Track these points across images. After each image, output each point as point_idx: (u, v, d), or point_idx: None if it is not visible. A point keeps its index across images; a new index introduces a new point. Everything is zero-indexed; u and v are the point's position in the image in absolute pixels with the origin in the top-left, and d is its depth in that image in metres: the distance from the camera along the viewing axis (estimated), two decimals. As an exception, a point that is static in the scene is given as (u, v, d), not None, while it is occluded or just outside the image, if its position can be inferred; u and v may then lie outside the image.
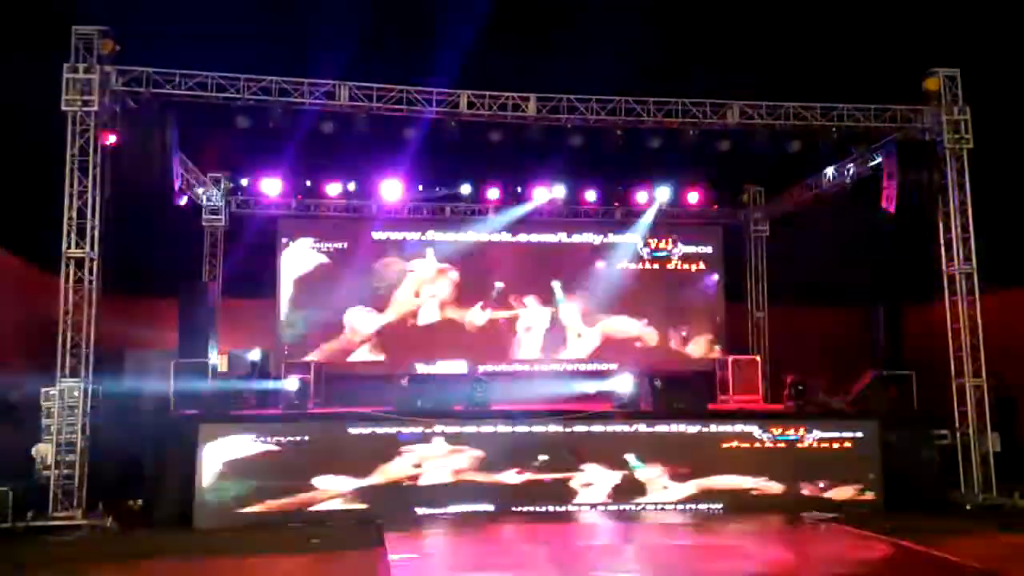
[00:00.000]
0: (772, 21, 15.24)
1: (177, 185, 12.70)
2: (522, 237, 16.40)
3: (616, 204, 16.56)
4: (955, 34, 14.54)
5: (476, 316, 16.10)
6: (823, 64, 14.74)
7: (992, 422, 12.32)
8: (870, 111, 13.06)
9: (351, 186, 15.26)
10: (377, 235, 16.02)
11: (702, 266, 16.78)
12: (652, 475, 12.10)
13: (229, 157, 14.21)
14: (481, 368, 15.27)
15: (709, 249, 16.87)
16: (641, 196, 16.08)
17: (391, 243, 16.02)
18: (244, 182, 15.31)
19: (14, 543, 10.08)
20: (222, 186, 15.70)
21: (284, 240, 15.81)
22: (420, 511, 11.51)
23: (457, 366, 15.60)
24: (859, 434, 12.48)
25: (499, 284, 16.18)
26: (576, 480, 11.94)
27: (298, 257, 15.81)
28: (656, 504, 12.04)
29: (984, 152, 12.82)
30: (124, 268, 12.95)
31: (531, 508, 11.74)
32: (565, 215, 16.55)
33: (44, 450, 11.03)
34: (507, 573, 8.83)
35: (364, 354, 15.68)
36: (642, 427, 12.31)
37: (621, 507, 11.94)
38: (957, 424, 12.49)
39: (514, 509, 11.68)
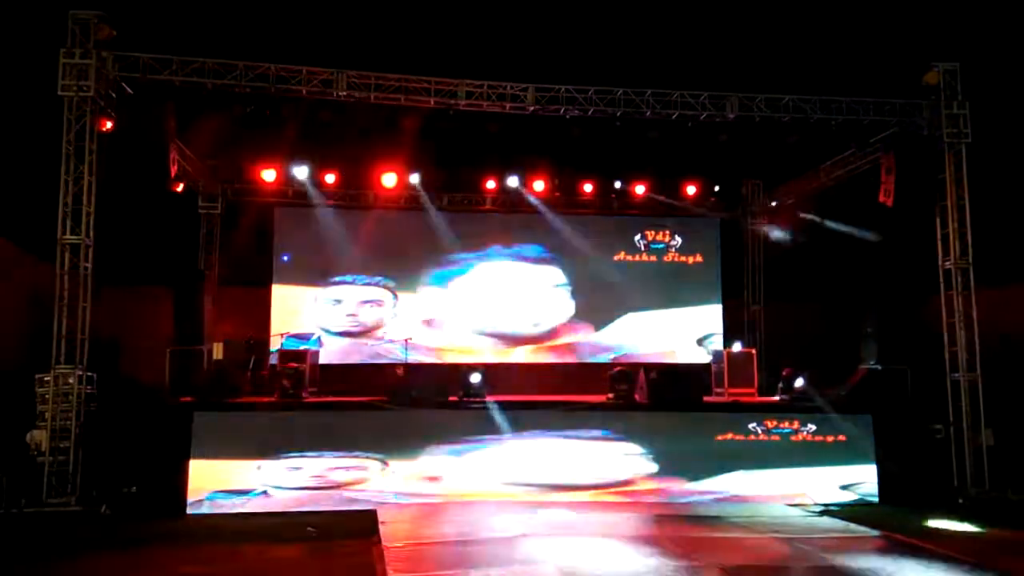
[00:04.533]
0: (772, 14, 15.21)
1: (173, 172, 12.66)
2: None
3: (613, 196, 16.51)
4: (955, 28, 14.53)
5: (473, 306, 16.07)
6: (822, 57, 14.72)
7: (986, 417, 12.38)
8: (869, 105, 13.04)
9: (352, 175, 15.19)
10: (374, 224, 15.95)
11: (699, 259, 16.77)
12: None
13: (226, 144, 14.13)
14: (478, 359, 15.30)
15: (706, 242, 16.85)
16: (639, 188, 16.03)
17: (389, 232, 15.94)
18: (242, 169, 15.23)
19: (7, 530, 10.06)
20: (218, 173, 15.62)
21: (280, 228, 15.75)
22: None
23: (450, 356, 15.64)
24: (853, 427, 12.52)
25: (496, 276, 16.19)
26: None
27: (294, 245, 15.76)
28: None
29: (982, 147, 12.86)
30: (120, 255, 12.92)
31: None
32: (564, 205, 16.50)
33: (38, 437, 11.01)
34: (502, 561, 8.84)
35: (359, 343, 15.64)
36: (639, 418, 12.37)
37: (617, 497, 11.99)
38: (951, 418, 12.53)
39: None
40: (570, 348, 16.28)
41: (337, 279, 15.78)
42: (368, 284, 15.88)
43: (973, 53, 13.31)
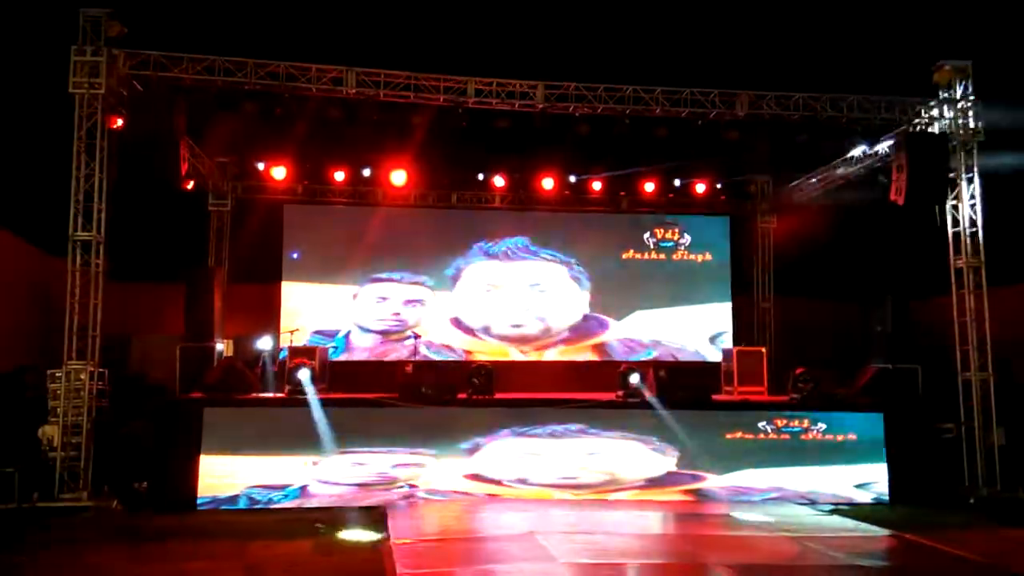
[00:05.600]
0: (782, 11, 15.15)
1: (184, 169, 12.70)
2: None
3: (622, 194, 16.48)
4: (966, 26, 14.44)
5: (481, 304, 16.06)
6: (833, 55, 14.66)
7: (997, 416, 12.32)
8: (880, 102, 12.97)
9: (361, 172, 15.20)
10: (382, 222, 15.95)
11: (708, 257, 16.72)
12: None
13: (236, 142, 14.17)
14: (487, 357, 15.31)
15: (715, 240, 16.80)
16: (648, 186, 15.99)
17: (397, 230, 15.94)
18: (252, 167, 15.27)
19: (20, 524, 10.13)
20: (228, 171, 15.67)
21: (289, 226, 15.79)
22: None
23: (460, 354, 15.64)
24: (864, 427, 12.47)
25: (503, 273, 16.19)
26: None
27: (303, 243, 15.79)
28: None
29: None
30: (130, 252, 12.99)
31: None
32: (573, 203, 16.47)
33: (50, 432, 11.08)
34: (510, 558, 8.85)
35: (369, 340, 15.67)
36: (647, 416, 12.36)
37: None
38: (962, 418, 12.47)
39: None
40: (579, 346, 16.25)
41: (384, 276, 15.78)
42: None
43: (985, 50, 13.23)
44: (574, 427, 12.17)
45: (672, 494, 12.12)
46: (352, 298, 15.66)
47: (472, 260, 16.10)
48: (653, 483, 12.16)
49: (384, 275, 15.77)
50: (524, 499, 11.81)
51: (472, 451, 11.98)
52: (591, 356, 16.16)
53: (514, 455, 12.04)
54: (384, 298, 15.74)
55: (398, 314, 15.74)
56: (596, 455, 12.13)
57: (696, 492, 12.16)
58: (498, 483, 11.96)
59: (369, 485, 11.69)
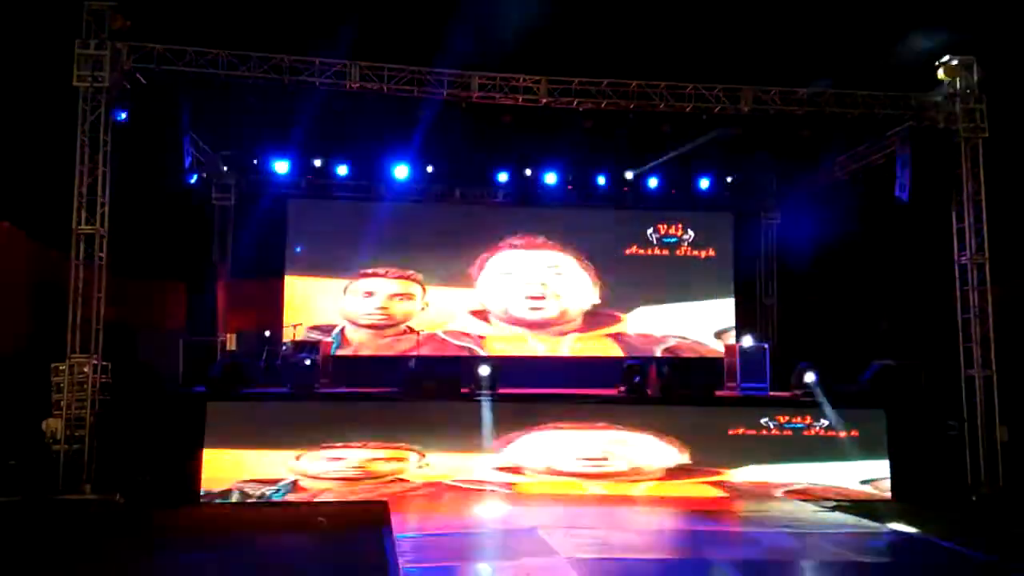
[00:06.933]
0: (786, 6, 15.10)
1: (187, 163, 12.70)
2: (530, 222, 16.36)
3: (626, 189, 16.44)
4: (972, 21, 14.37)
5: (482, 301, 16.06)
6: (838, 50, 14.60)
7: (1000, 413, 12.30)
8: (884, 98, 12.93)
9: (364, 167, 15.18)
10: (386, 216, 15.93)
11: (711, 253, 16.70)
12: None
13: (239, 135, 14.17)
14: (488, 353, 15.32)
15: (719, 236, 16.76)
16: (651, 181, 15.96)
17: (400, 225, 15.92)
18: (254, 161, 15.25)
19: (23, 517, 10.16)
20: (232, 164, 15.65)
21: (293, 220, 15.79)
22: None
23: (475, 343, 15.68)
24: (866, 423, 12.47)
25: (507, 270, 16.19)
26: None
27: (306, 236, 15.79)
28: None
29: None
30: (134, 246, 12.99)
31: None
32: (576, 198, 16.46)
33: (54, 425, 11.10)
34: (512, 553, 8.86)
35: (363, 336, 15.68)
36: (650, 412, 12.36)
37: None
38: (965, 415, 12.46)
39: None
40: (582, 342, 16.25)
41: (369, 271, 15.79)
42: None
43: (990, 46, 13.18)
44: (571, 424, 12.18)
45: (673, 489, 12.12)
46: (343, 293, 15.65)
47: (473, 256, 16.07)
48: (654, 478, 12.16)
49: (370, 270, 15.75)
50: (524, 494, 11.82)
51: (474, 447, 11.99)
52: (592, 352, 16.12)
53: (514, 451, 12.05)
54: (370, 293, 15.74)
55: (385, 309, 15.71)
56: (594, 451, 12.13)
57: (697, 487, 12.16)
58: (500, 478, 11.98)
59: (371, 479, 11.70)
